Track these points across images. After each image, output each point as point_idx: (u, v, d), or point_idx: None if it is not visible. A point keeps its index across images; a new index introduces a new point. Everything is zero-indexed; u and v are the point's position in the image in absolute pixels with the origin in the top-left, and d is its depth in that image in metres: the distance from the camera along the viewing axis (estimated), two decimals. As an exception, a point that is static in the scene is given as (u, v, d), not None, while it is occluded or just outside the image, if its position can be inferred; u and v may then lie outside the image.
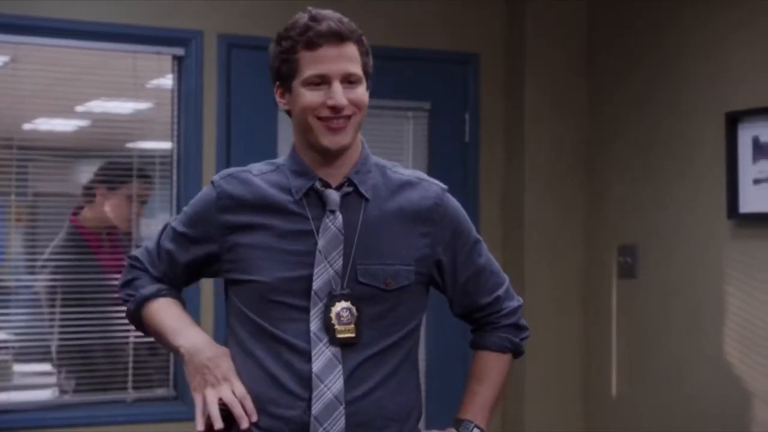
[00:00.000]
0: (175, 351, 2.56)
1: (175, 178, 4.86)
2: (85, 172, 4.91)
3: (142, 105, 5.03)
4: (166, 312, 2.56)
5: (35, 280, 4.76)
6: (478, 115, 5.40)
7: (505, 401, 5.34)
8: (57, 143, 4.94)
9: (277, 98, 2.54)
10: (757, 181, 4.48)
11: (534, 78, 5.38)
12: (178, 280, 2.58)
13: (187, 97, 4.83)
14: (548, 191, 5.45)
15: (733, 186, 4.56)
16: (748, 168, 4.52)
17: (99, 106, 4.99)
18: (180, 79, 4.84)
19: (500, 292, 2.71)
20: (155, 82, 4.92)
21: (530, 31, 5.34)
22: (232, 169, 2.55)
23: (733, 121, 4.54)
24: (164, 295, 2.56)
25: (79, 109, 4.98)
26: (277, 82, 2.50)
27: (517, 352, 2.73)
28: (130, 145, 4.93)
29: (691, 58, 4.81)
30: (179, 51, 4.76)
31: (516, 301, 2.75)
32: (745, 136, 4.52)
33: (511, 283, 2.76)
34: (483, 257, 2.71)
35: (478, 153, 5.43)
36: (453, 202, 2.68)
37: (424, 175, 2.67)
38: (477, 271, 2.67)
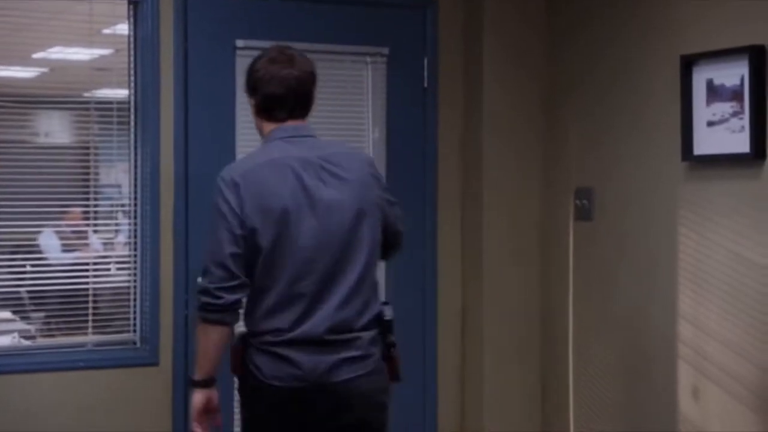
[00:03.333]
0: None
1: (132, 125, 4.86)
2: (45, 119, 4.92)
3: (100, 52, 5.01)
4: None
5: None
6: (436, 61, 5.41)
7: (464, 341, 5.53)
8: (16, 90, 4.91)
9: None
10: (710, 123, 4.53)
11: (493, 25, 5.40)
12: None
13: (143, 44, 4.83)
14: (507, 136, 5.47)
15: (687, 128, 4.60)
16: (702, 110, 4.56)
17: (56, 53, 5.00)
18: (136, 25, 4.82)
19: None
20: (112, 28, 4.91)
21: (489, -23, 5.39)
22: None
23: (687, 65, 4.57)
24: None
25: (37, 56, 4.99)
26: None
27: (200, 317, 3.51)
28: (88, 93, 4.93)
29: (646, 3, 4.85)
30: (135, -5, 4.78)
31: (200, 279, 3.51)
32: (700, 79, 4.56)
33: (212, 265, 3.44)
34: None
35: (436, 98, 5.44)
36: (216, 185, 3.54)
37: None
38: None
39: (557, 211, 5.46)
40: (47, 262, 4.95)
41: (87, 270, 4.85)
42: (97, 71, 4.98)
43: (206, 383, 3.51)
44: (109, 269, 5.00)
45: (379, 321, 3.56)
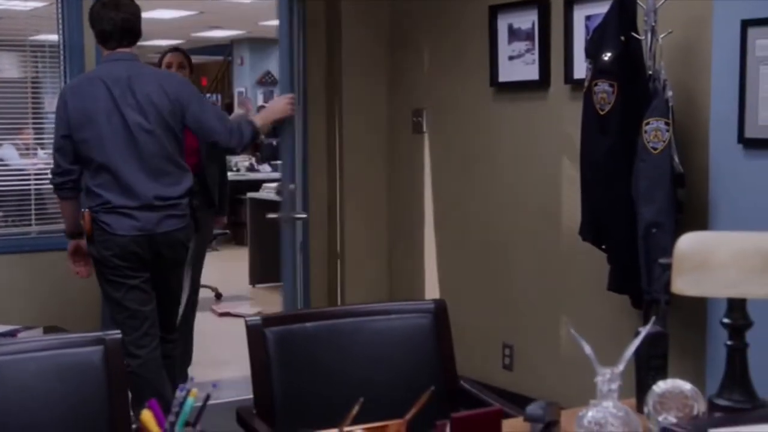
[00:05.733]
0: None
1: (62, 62, 5.17)
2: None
3: (36, 5, 5.32)
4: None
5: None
6: (304, 17, 5.57)
7: (329, 231, 6.02)
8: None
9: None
10: (511, 58, 5.01)
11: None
12: None
13: (69, -4, 5.06)
14: (360, 70, 5.89)
15: (494, 62, 5.09)
16: (504, 48, 5.04)
17: (2, 5, 5.28)
18: (63, -20, 5.01)
19: None
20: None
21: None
22: None
23: (494, 13, 5.05)
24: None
25: (-13, 8, 5.22)
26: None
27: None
28: (29, 38, 5.26)
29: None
30: (61, -47, 4.98)
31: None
32: (503, 24, 5.04)
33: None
34: None
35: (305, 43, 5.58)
36: None
37: None
38: None
39: (399, 126, 5.89)
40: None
41: (29, 177, 5.28)
42: (35, 20, 5.25)
43: (73, 235, 4.45)
44: (48, 175, 5.00)
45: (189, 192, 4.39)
